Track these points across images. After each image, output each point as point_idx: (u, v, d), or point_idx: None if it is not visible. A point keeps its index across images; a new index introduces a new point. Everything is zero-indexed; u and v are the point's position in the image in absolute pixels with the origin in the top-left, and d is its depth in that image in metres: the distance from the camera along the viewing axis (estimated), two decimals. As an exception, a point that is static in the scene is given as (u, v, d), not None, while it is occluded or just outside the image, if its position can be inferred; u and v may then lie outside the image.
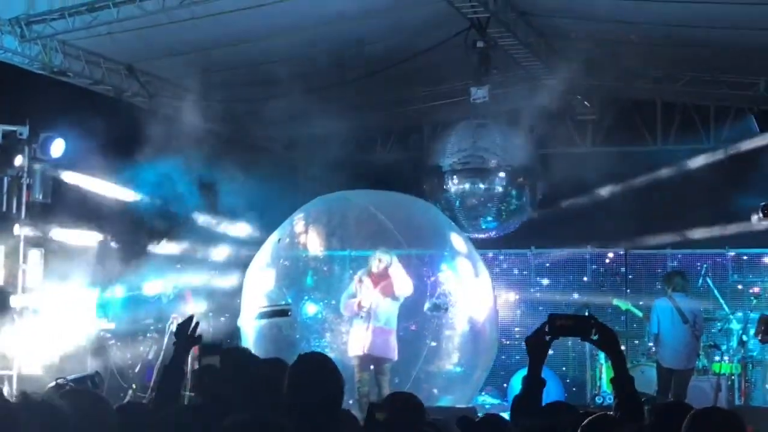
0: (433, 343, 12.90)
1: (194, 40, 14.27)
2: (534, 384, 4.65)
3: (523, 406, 4.79)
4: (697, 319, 13.71)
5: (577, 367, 16.31)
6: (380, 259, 12.40)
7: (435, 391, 12.90)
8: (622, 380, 4.62)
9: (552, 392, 14.54)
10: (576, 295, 16.85)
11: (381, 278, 12.40)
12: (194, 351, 5.68)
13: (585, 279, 17.23)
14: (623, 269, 17.12)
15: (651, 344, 14.62)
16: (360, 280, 12.42)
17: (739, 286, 16.31)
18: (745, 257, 16.56)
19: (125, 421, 4.68)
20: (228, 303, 14.57)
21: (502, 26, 14.10)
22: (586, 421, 4.67)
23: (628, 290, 16.74)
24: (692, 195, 16.57)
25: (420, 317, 13.00)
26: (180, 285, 14.61)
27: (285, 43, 14.34)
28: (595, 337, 4.60)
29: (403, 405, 5.28)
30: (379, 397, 11.29)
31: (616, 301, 15.52)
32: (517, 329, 16.73)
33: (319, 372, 4.77)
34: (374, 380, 12.27)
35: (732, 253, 16.55)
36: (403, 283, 12.31)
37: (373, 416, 4.78)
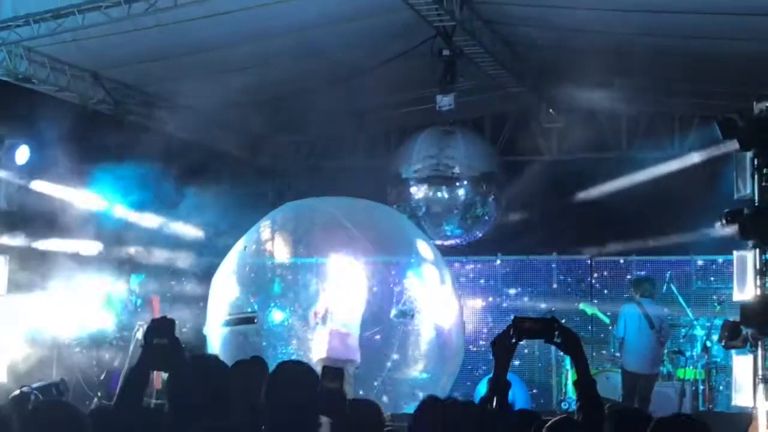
0: (396, 356, 12.93)
1: (160, 48, 14.24)
2: (499, 386, 4.68)
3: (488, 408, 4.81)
4: (663, 325, 13.86)
5: (543, 373, 16.40)
6: (343, 265, 12.52)
7: (417, 392, 12.81)
8: (584, 382, 4.67)
9: (518, 398, 14.67)
10: (543, 303, 16.95)
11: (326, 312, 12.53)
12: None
13: (552, 286, 17.33)
14: (588, 277, 17.23)
15: (615, 350, 14.73)
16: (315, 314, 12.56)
17: (703, 293, 16.45)
18: (709, 264, 16.71)
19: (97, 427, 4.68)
20: (192, 311, 14.53)
21: (467, 34, 14.15)
22: (548, 424, 4.71)
23: (594, 297, 16.85)
24: (657, 202, 16.69)
25: (386, 324, 13.03)
26: (144, 291, 14.54)
27: (250, 52, 14.34)
28: (558, 340, 4.65)
29: (364, 409, 5.32)
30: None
31: (582, 306, 15.62)
32: (483, 336, 16.79)
33: (299, 378, 4.79)
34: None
35: (697, 261, 16.70)
36: (350, 306, 12.46)
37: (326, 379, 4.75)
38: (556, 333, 4.64)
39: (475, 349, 16.27)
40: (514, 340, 4.62)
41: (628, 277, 16.54)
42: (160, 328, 4.57)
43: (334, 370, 4.69)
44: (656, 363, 13.92)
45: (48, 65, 14.59)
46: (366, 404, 5.61)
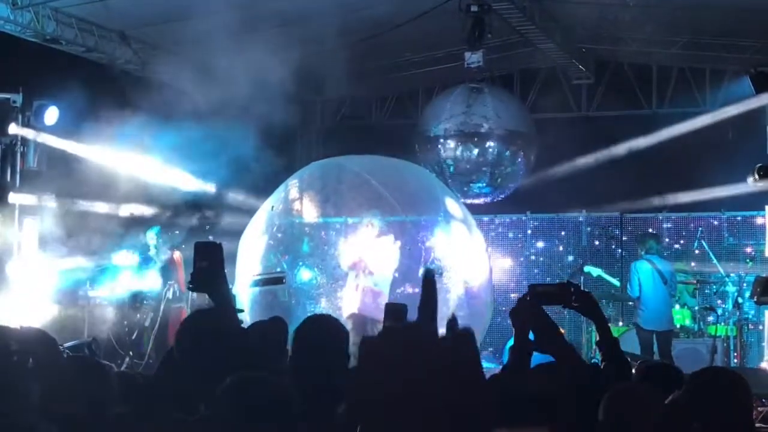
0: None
1: (187, 6, 14.19)
2: (521, 354, 4.64)
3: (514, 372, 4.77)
4: (674, 280, 13.81)
5: (572, 331, 16.35)
6: (371, 224, 12.48)
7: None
8: (607, 343, 4.65)
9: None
10: (571, 258, 16.91)
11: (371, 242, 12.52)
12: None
13: (580, 242, 17.27)
14: (618, 232, 17.15)
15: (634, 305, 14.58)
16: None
17: (734, 249, 16.34)
18: (739, 219, 16.58)
19: (125, 387, 4.71)
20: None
21: (495, -10, 14.03)
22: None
23: (624, 253, 16.78)
24: (687, 158, 16.57)
25: (415, 282, 13.02)
26: (162, 243, 14.58)
27: (282, 5, 14.23)
28: (576, 304, 4.62)
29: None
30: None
31: (587, 268, 15.50)
32: (513, 294, 16.75)
33: (327, 332, 4.77)
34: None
35: (728, 216, 16.57)
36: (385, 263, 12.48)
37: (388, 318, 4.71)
38: (573, 297, 4.61)
39: (504, 308, 16.24)
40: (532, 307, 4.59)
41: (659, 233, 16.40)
42: (204, 250, 4.60)
43: (396, 307, 4.63)
44: (672, 319, 13.89)
45: (75, 26, 14.62)
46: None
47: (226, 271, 4.63)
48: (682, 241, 16.65)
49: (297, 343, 4.76)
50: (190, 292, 14.10)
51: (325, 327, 4.83)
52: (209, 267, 4.56)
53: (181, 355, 4.38)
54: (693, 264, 15.81)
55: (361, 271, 12.43)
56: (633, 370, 5.68)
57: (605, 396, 4.18)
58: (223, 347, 4.29)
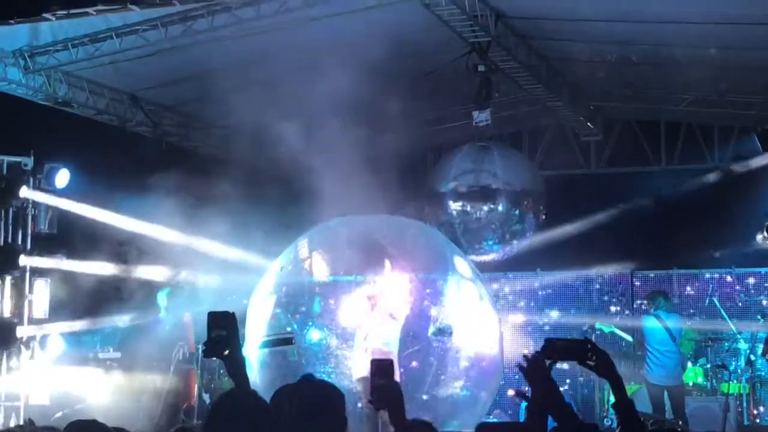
0: (442, 377, 12.88)
1: (197, 68, 14.33)
2: (537, 412, 4.60)
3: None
4: (681, 336, 13.82)
5: (585, 389, 16.26)
6: (375, 281, 12.48)
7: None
8: (622, 404, 4.60)
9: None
10: (583, 319, 16.82)
11: (378, 300, 12.46)
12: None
13: (591, 300, 17.20)
14: (629, 290, 17.09)
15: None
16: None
17: (745, 306, 16.26)
18: (750, 276, 16.52)
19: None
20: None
21: (503, 50, 14.13)
22: None
23: (634, 311, 16.72)
24: (697, 215, 16.55)
25: (424, 342, 12.99)
26: (172, 305, 14.54)
27: (287, 67, 14.36)
28: (591, 363, 4.57)
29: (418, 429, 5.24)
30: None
31: (599, 325, 15.45)
32: (524, 351, 16.67)
33: (324, 397, 4.78)
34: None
35: (738, 273, 16.51)
36: (400, 304, 12.37)
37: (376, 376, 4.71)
38: (590, 354, 4.56)
39: (514, 365, 16.15)
40: (548, 363, 4.57)
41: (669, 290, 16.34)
42: (218, 320, 4.67)
43: (381, 364, 4.64)
44: (680, 374, 13.84)
45: (86, 88, 14.78)
46: (421, 425, 5.51)
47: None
48: (692, 298, 16.57)
49: (290, 409, 4.75)
50: (201, 354, 14.10)
51: (320, 391, 4.84)
52: (223, 335, 4.65)
53: None
54: (703, 321, 15.74)
55: (369, 332, 12.36)
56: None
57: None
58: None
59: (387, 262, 12.69)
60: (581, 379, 16.33)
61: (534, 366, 4.52)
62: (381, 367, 4.59)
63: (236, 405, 4.49)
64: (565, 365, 15.50)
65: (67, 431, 4.95)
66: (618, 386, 4.60)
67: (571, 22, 13.73)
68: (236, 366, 4.70)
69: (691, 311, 16.22)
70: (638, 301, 16.68)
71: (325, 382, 5.09)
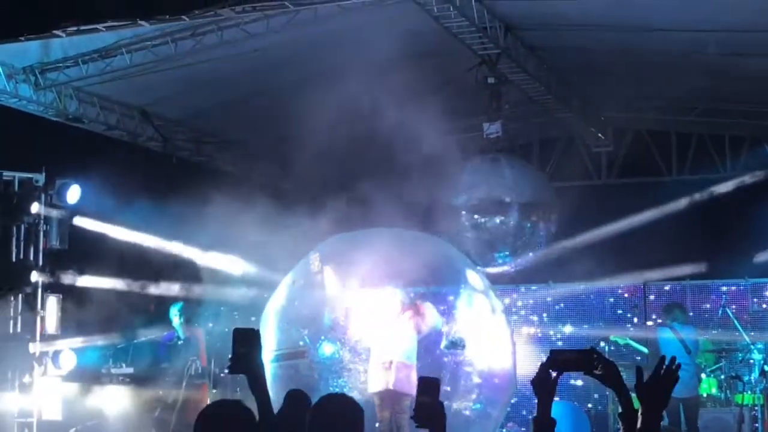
0: (447, 388, 12.83)
1: (207, 82, 14.36)
2: (544, 424, 4.58)
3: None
4: (696, 348, 13.77)
5: (598, 401, 16.17)
6: (394, 296, 12.50)
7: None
8: (627, 415, 4.57)
9: (581, 428, 14.43)
10: (595, 330, 16.73)
11: (411, 311, 12.46)
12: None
13: (604, 312, 17.11)
14: (642, 302, 17.00)
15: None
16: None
17: (759, 316, 16.16)
18: (765, 287, 16.42)
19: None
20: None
21: (512, 62, 14.13)
22: None
23: (648, 323, 16.62)
24: (709, 225, 16.49)
25: (437, 355, 12.95)
26: (184, 320, 14.47)
27: (300, 82, 14.37)
28: (599, 372, 4.54)
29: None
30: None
31: (613, 337, 15.38)
32: (537, 363, 16.56)
33: (344, 413, 4.79)
34: (392, 421, 12.10)
35: (752, 284, 16.41)
36: (432, 318, 12.36)
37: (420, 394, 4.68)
38: (596, 364, 4.52)
39: (526, 377, 16.10)
40: (554, 374, 4.54)
41: (682, 302, 16.25)
42: (242, 336, 4.69)
43: (428, 381, 4.62)
44: (696, 386, 13.78)
45: (97, 104, 14.80)
46: None
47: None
48: (705, 310, 16.48)
49: (313, 424, 4.76)
50: (212, 369, 14.10)
51: (341, 407, 4.85)
52: (247, 352, 4.67)
53: None
54: (716, 332, 15.65)
55: (388, 345, 12.29)
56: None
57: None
58: None
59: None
60: (594, 390, 16.25)
61: (539, 379, 4.50)
62: (428, 385, 4.55)
63: (222, 414, 4.54)
64: (579, 381, 15.49)
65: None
66: (624, 396, 4.56)
67: (580, 33, 13.72)
68: (259, 383, 4.70)
69: (706, 323, 16.12)
70: (653, 316, 16.59)
71: (347, 398, 5.09)
